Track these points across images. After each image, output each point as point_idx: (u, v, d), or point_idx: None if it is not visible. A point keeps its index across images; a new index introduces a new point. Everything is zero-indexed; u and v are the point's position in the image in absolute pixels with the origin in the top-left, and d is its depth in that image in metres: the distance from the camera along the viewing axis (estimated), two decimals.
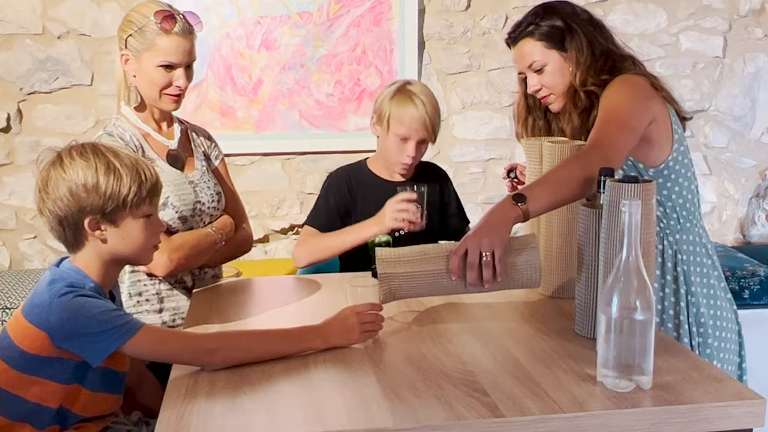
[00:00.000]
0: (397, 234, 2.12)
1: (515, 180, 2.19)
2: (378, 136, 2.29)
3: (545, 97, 2.02)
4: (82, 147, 1.58)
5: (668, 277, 1.95)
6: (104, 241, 1.57)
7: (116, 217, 1.56)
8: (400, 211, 2.09)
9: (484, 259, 1.60)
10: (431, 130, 2.25)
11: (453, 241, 1.73)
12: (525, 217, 1.66)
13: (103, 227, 1.56)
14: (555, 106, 2.03)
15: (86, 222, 1.54)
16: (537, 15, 2.00)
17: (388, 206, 2.11)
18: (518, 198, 1.65)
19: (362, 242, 2.15)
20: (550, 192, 1.68)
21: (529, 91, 2.04)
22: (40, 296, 1.54)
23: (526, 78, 2.05)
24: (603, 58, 1.96)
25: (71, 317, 1.48)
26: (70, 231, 1.56)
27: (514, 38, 2.03)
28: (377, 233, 2.13)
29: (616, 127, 1.79)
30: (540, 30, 1.98)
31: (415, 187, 2.15)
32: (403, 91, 2.26)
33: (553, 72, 1.98)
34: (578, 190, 1.67)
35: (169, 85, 2.01)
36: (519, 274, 1.68)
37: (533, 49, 1.99)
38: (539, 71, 1.99)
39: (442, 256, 1.66)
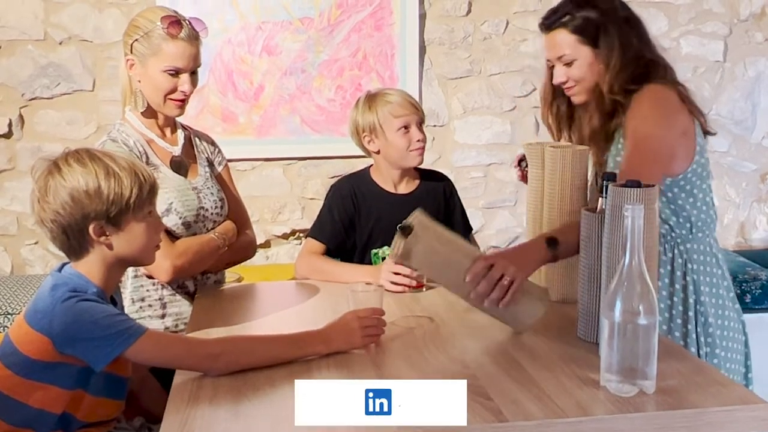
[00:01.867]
0: None
1: (526, 169, 2.14)
2: (378, 151, 2.26)
3: (569, 88, 1.97)
4: (77, 153, 1.57)
5: (677, 286, 1.93)
6: (109, 246, 1.57)
7: (120, 221, 1.56)
8: (396, 275, 2.00)
9: (504, 281, 1.61)
10: (419, 107, 2.28)
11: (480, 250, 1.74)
12: (554, 260, 1.72)
13: (107, 232, 1.56)
14: (578, 98, 1.99)
15: (91, 228, 1.54)
16: (575, 4, 1.93)
17: (384, 267, 2.03)
18: (551, 243, 1.69)
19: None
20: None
21: (555, 81, 1.99)
22: (42, 301, 1.54)
23: (548, 66, 2.01)
24: (633, 64, 1.91)
25: (74, 322, 1.48)
26: (75, 239, 1.56)
27: (547, 25, 1.96)
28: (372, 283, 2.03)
29: (649, 163, 1.77)
30: (574, 22, 1.91)
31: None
32: (372, 96, 2.28)
33: (582, 67, 1.93)
34: None
35: (174, 90, 2.01)
36: (516, 314, 1.68)
37: (565, 41, 1.93)
38: (568, 64, 1.94)
39: (469, 255, 1.67)
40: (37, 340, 1.50)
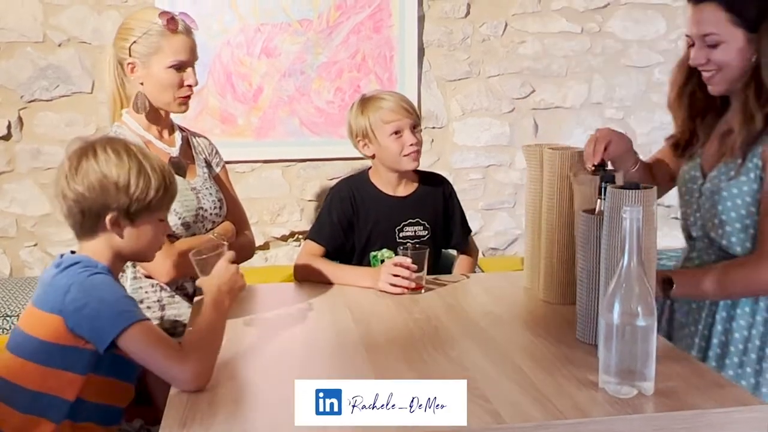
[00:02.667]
0: (400, 249, 2.09)
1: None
2: (373, 155, 2.27)
3: (708, 73, 1.72)
4: (116, 142, 1.62)
5: (758, 318, 1.73)
6: (120, 236, 1.60)
7: (136, 218, 1.60)
8: (395, 276, 1.99)
9: None
10: (413, 111, 2.27)
11: None
12: (666, 298, 1.72)
13: (122, 224, 1.59)
14: (716, 88, 1.73)
15: (108, 217, 1.57)
16: None
17: (383, 269, 2.03)
18: (666, 283, 1.67)
19: (354, 285, 2.09)
20: (699, 285, 1.69)
21: (692, 62, 1.73)
22: (53, 284, 1.55)
23: (688, 43, 1.76)
24: None
25: (85, 296, 1.50)
26: (89, 221, 1.59)
27: None
28: (370, 286, 2.04)
29: None
30: None
31: (417, 247, 2.07)
32: (365, 100, 2.28)
33: (728, 52, 1.67)
34: (733, 296, 1.69)
35: (180, 85, 2.03)
36: None
37: (714, 18, 1.66)
38: (712, 46, 1.68)
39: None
40: (49, 322, 1.52)
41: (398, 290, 1.99)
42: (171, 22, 2.00)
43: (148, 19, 2.01)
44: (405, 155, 2.22)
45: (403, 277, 1.99)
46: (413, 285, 2.00)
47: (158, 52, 2.00)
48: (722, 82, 1.71)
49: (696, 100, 1.81)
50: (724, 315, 1.76)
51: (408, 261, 2.00)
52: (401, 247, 2.08)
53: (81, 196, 1.56)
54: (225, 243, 2.07)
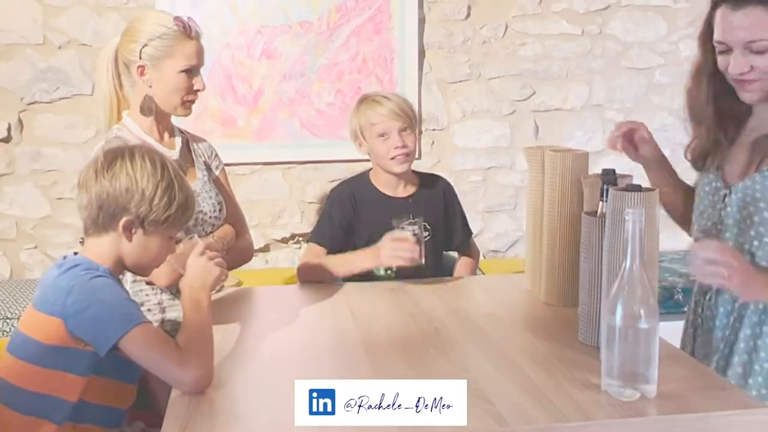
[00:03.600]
0: (394, 222, 2.10)
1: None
2: (369, 154, 2.29)
3: (750, 81, 1.60)
4: (154, 153, 1.64)
5: None
6: (129, 240, 1.60)
7: (150, 229, 1.60)
8: (396, 249, 2.04)
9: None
10: (405, 114, 2.25)
11: None
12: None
13: (134, 230, 1.60)
14: (753, 96, 1.63)
15: (123, 220, 1.58)
16: None
17: (384, 243, 2.06)
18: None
19: (360, 272, 2.14)
20: None
21: (734, 71, 1.60)
22: (53, 286, 1.55)
23: (719, 50, 1.63)
24: None
25: (86, 299, 1.50)
26: (103, 218, 1.59)
27: (740, 0, 1.56)
28: (374, 266, 2.10)
29: None
30: None
31: (413, 219, 2.10)
32: (362, 101, 2.30)
33: None
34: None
35: (190, 89, 2.05)
36: None
37: (763, 23, 1.55)
38: (760, 52, 1.57)
39: None
40: (49, 324, 1.52)
41: (404, 261, 2.04)
42: (186, 27, 2.02)
43: (162, 23, 2.01)
44: (391, 158, 2.22)
45: (406, 248, 2.03)
46: (416, 255, 2.04)
47: (172, 56, 2.01)
48: (762, 89, 1.61)
49: (723, 108, 1.71)
50: (748, 333, 1.66)
51: (407, 234, 2.05)
52: (396, 220, 2.10)
53: (105, 192, 1.57)
54: (194, 236, 2.06)
